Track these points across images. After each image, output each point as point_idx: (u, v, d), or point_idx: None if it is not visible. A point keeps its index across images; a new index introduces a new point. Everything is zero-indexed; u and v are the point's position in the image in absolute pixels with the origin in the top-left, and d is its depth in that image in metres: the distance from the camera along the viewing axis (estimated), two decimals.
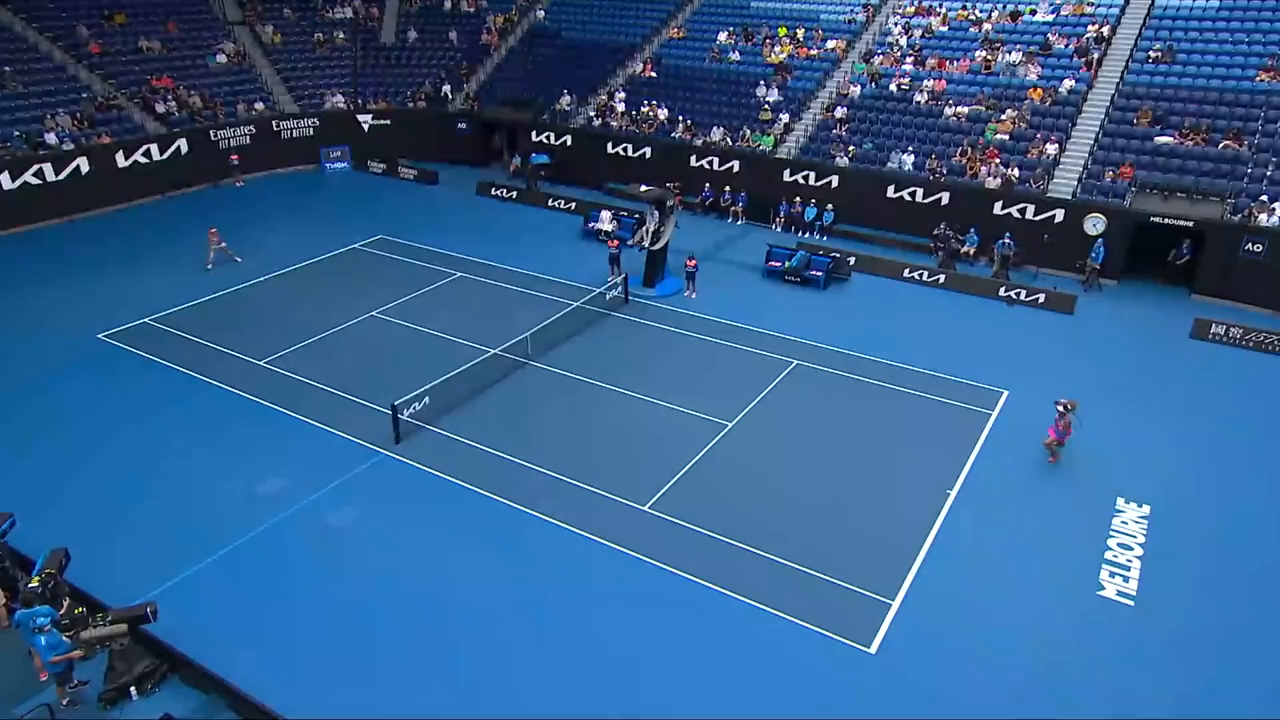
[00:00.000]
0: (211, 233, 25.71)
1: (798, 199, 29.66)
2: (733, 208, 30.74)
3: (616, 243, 25.38)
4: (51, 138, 29.85)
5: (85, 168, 30.05)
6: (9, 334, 21.48)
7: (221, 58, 37.04)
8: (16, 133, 29.34)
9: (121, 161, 31.09)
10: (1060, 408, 16.55)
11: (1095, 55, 29.54)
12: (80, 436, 17.20)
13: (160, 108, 33.29)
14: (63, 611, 11.52)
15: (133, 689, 11.37)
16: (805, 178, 29.73)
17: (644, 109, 33.69)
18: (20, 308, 23.02)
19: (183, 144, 32.72)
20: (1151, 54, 28.75)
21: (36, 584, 11.71)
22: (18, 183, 28.59)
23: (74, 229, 29.34)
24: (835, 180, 29.26)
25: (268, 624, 12.64)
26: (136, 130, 32.12)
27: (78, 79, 32.97)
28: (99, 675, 11.45)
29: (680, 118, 32.87)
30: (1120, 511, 15.28)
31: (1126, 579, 13.66)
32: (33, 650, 11.12)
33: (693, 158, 31.70)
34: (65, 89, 32.14)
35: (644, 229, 24.83)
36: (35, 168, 28.92)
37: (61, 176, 29.57)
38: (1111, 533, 14.75)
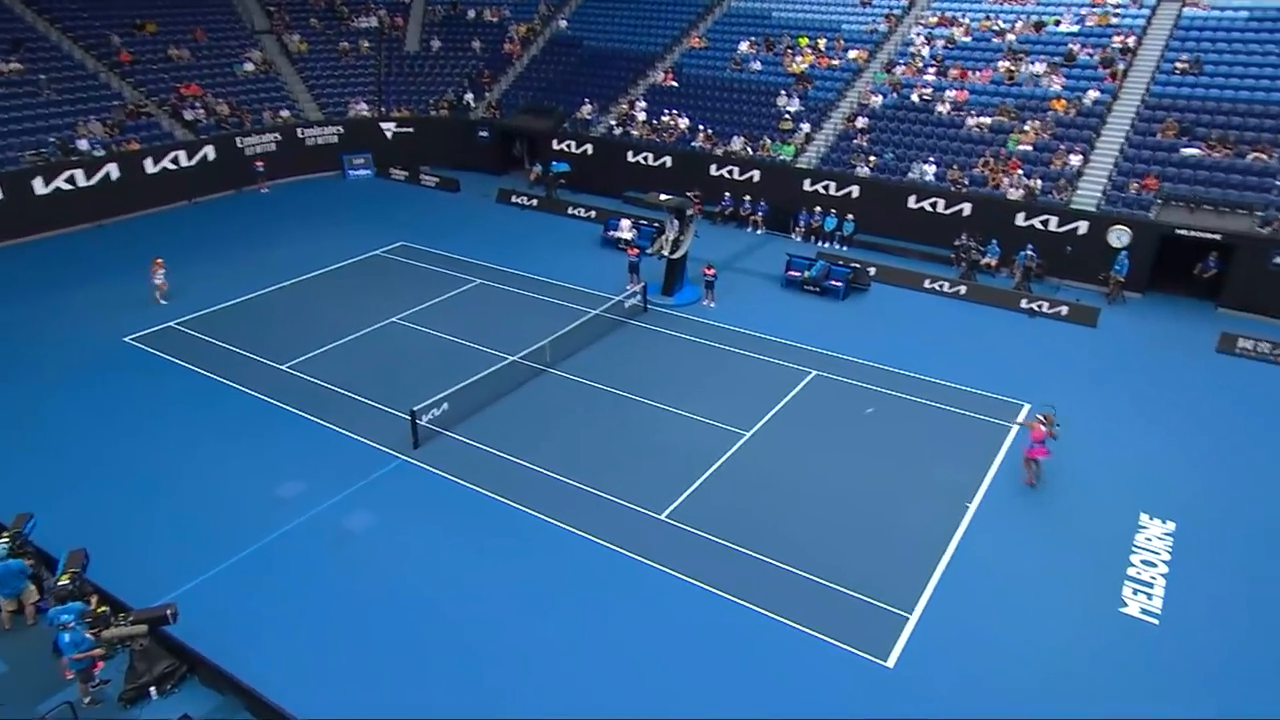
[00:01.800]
0: (157, 263, 24.07)
1: (818, 209, 29.59)
2: (752, 217, 30.72)
3: (636, 251, 25.44)
4: (84, 144, 30.41)
5: (115, 174, 30.59)
6: (39, 335, 21.88)
7: (249, 66, 37.62)
8: (50, 139, 29.93)
9: (150, 168, 31.63)
10: (1039, 419, 16.04)
11: (1120, 66, 29.28)
12: (104, 438, 17.46)
13: (189, 115, 33.85)
14: (90, 609, 11.67)
15: (152, 689, 11.47)
16: (825, 187, 29.66)
17: (665, 118, 33.79)
18: (51, 310, 23.43)
19: (210, 151, 33.24)
20: (1178, 65, 28.45)
21: (67, 580, 11.87)
22: (50, 188, 29.16)
23: (104, 234, 29.85)
24: (856, 190, 29.16)
25: (285, 626, 12.73)
26: (165, 137, 32.68)
27: (109, 86, 33.61)
28: (120, 674, 11.58)
29: (701, 127, 32.93)
30: (1144, 527, 15.06)
31: (1150, 596, 13.44)
32: (58, 647, 11.27)
33: (713, 167, 31.73)
34: (97, 96, 32.77)
35: (663, 237, 24.88)
36: (67, 174, 29.48)
37: (92, 182, 30.12)
38: (1134, 549, 14.53)
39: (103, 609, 11.79)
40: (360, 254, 27.80)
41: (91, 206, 30.15)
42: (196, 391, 19.27)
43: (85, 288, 24.94)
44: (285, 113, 36.39)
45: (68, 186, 29.57)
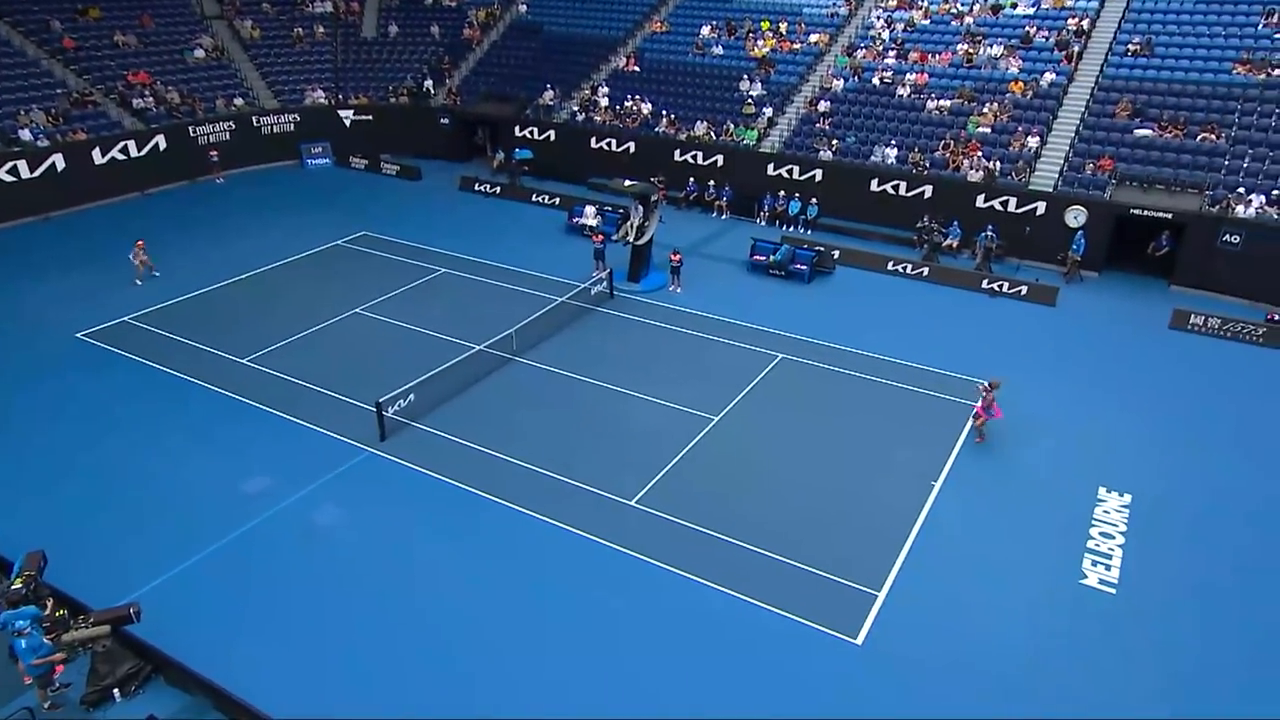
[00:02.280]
0: (139, 245, 24.46)
1: (782, 193, 29.71)
2: (717, 202, 30.75)
3: (601, 237, 25.34)
4: (26, 134, 29.40)
5: (61, 165, 29.64)
6: None
7: (199, 52, 36.62)
8: None
9: (98, 158, 30.69)
10: (982, 387, 17.00)
11: (1075, 48, 29.75)
12: (60, 436, 17.00)
13: (137, 103, 32.87)
14: (46, 613, 11.39)
15: (116, 691, 11.26)
16: (789, 172, 29.78)
17: (627, 103, 33.61)
18: None
19: (161, 140, 32.34)
20: (1130, 47, 29.00)
21: (20, 585, 11.57)
22: None
23: (50, 227, 28.95)
24: (819, 174, 29.32)
25: (253, 623, 12.55)
26: (113, 127, 31.72)
27: (52, 74, 32.49)
28: (81, 678, 11.34)
29: (664, 112, 32.82)
30: (1102, 501, 15.46)
31: (1109, 567, 13.82)
32: (14, 653, 10.98)
33: (676, 152, 31.67)
34: (39, 85, 31.66)
35: (628, 224, 24.80)
36: (9, 165, 28.50)
37: (37, 174, 29.15)
38: (1094, 522, 14.92)
39: (61, 612, 11.52)
40: (321, 244, 27.32)
41: (36, 199, 29.20)
42: (154, 388, 18.83)
43: (34, 283, 24.18)
44: (239, 100, 35.51)
45: (9, 178, 28.58)
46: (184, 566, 13.58)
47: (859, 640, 12.32)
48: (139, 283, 24.16)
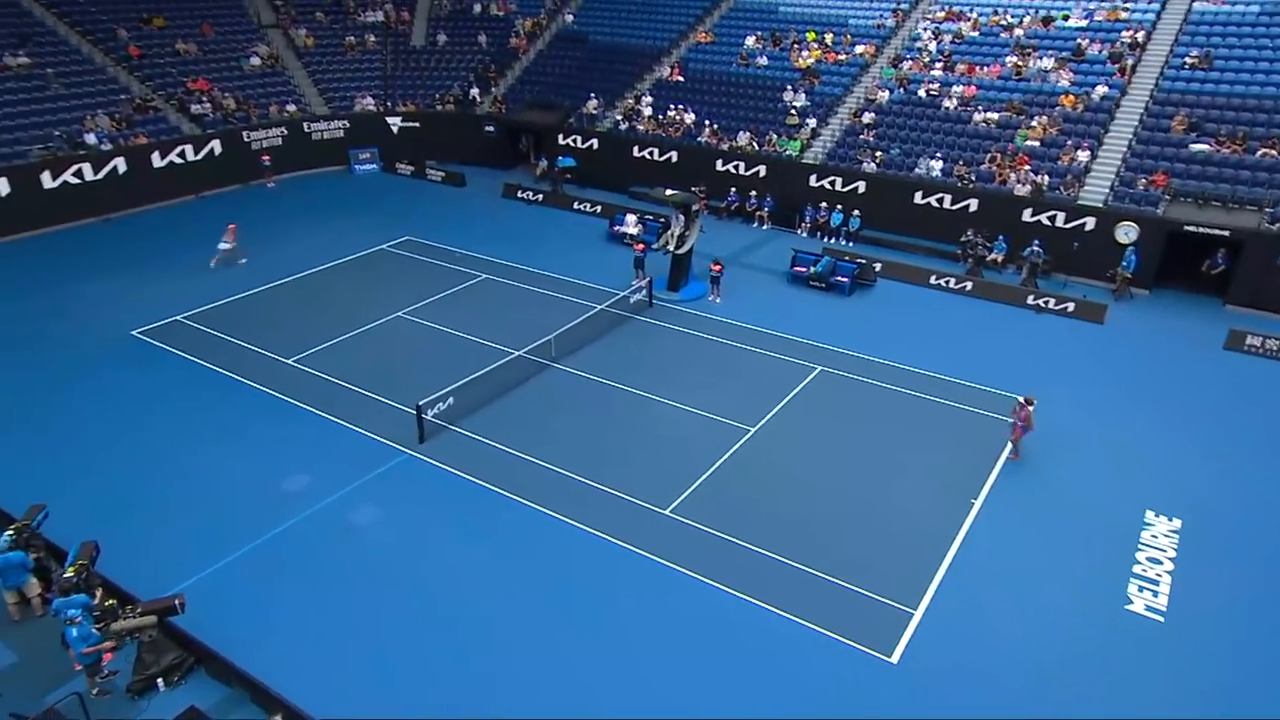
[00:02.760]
0: (231, 229, 26.09)
1: (824, 204, 29.52)
2: (759, 213, 30.66)
3: (642, 246, 25.42)
4: (91, 138, 30.49)
5: (123, 168, 30.67)
6: (47, 330, 21.96)
7: (255, 60, 37.65)
8: (57, 133, 30.00)
9: (157, 161, 31.70)
10: (1018, 404, 16.73)
11: (1129, 61, 29.12)
12: (112, 431, 17.54)
13: (196, 109, 33.92)
14: (96, 602, 11.75)
15: (160, 680, 11.57)
16: (832, 183, 29.58)
17: (671, 113, 33.73)
18: (59, 304, 23.51)
19: (216, 145, 33.29)
20: (1188, 60, 28.28)
21: (72, 574, 11.96)
22: (58, 181, 29.23)
23: (110, 228, 29.95)
24: (862, 185, 29.08)
25: (292, 619, 12.80)
26: (172, 131, 32.74)
27: (117, 81, 33.68)
28: (128, 666, 11.67)
29: (707, 122, 32.86)
30: (1149, 525, 15.03)
31: (1156, 593, 13.42)
32: (66, 641, 11.35)
33: (719, 162, 31.68)
34: (105, 90, 32.83)
35: (669, 233, 24.85)
36: (75, 167, 29.56)
37: (100, 176, 30.20)
38: (1140, 545, 14.51)
39: (110, 602, 11.88)
40: (366, 248, 27.85)
41: (98, 201, 30.23)
42: (203, 385, 19.35)
43: (93, 282, 25.01)
44: (291, 107, 36.42)
45: (75, 180, 29.64)
46: (227, 561, 13.92)
47: (894, 659, 12.15)
48: (213, 265, 25.48)
